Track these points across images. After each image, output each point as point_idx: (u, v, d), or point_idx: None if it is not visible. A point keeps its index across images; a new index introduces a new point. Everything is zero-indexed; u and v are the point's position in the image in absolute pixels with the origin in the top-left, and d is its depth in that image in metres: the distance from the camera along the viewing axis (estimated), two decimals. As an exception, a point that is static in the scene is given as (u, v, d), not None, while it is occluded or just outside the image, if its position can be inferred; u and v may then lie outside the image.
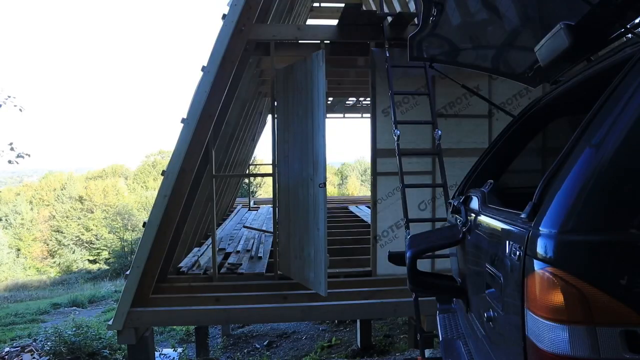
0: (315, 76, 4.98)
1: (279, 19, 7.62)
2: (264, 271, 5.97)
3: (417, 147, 5.71)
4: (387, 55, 5.01)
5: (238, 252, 7.07)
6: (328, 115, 8.65)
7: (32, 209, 40.79)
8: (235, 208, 13.32)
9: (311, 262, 5.11)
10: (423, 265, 5.58)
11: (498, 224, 1.68)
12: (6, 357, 7.71)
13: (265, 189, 31.46)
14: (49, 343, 7.32)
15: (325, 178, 4.99)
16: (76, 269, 33.43)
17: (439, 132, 4.67)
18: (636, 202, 1.21)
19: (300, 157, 5.28)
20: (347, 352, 7.05)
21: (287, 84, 5.57)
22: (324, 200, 4.92)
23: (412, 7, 7.37)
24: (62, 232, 37.77)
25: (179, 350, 8.26)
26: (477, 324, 1.95)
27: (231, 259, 6.60)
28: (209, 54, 5.02)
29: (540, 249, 1.26)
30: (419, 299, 4.19)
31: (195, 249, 7.24)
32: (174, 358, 7.92)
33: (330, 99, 11.90)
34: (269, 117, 10.31)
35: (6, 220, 38.42)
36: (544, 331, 1.23)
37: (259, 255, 6.74)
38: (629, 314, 1.15)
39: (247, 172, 13.49)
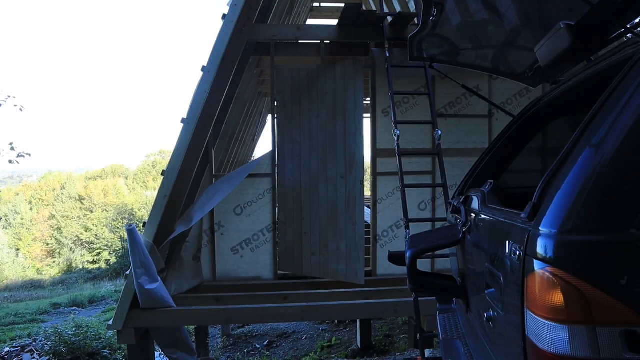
0: (352, 82, 5.46)
1: (279, 19, 7.62)
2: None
3: (417, 147, 5.72)
4: (387, 55, 5.02)
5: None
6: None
7: (31, 209, 40.80)
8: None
9: (342, 255, 5.51)
10: (423, 265, 5.59)
11: (498, 224, 1.68)
12: (6, 357, 7.71)
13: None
14: (49, 343, 7.32)
15: (363, 176, 5.55)
16: (76, 269, 33.41)
17: (439, 132, 4.67)
18: (636, 202, 1.21)
19: (324, 157, 5.61)
20: (347, 352, 7.04)
21: (300, 85, 5.72)
22: (362, 196, 5.43)
23: (412, 7, 7.37)
24: (62, 232, 37.77)
25: (179, 350, 8.24)
26: (477, 324, 1.95)
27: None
28: (209, 54, 5.02)
29: (540, 249, 1.26)
30: (419, 299, 4.19)
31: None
32: (174, 358, 7.91)
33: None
34: (269, 117, 10.31)
35: (6, 220, 38.41)
36: (544, 331, 1.23)
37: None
38: (629, 314, 1.15)
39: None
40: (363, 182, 5.50)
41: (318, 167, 5.63)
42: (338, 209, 5.51)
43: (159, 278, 4.89)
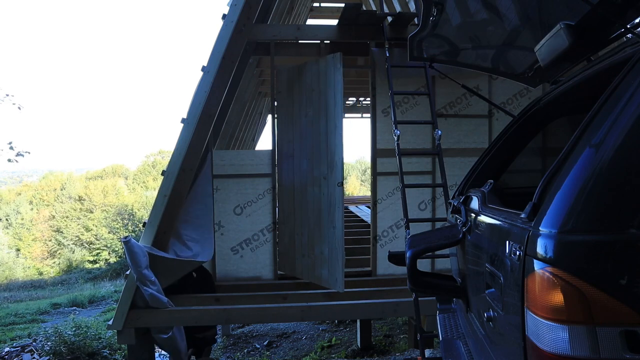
0: (331, 78, 5.17)
1: (279, 19, 7.63)
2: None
3: (417, 147, 5.72)
4: (387, 55, 5.02)
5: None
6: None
7: (32, 209, 40.80)
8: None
9: (325, 260, 5.27)
10: (423, 265, 5.59)
11: (498, 224, 1.68)
12: (6, 357, 7.71)
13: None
14: (49, 343, 7.32)
15: (342, 177, 5.18)
16: (76, 269, 33.40)
17: (439, 132, 4.67)
18: (636, 202, 1.21)
19: (311, 157, 5.42)
20: (347, 352, 7.05)
21: (293, 84, 5.64)
22: (340, 199, 5.12)
23: (412, 7, 7.37)
24: (62, 232, 37.76)
25: (179, 350, 8.25)
26: (477, 324, 1.95)
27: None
28: (209, 54, 5.02)
29: (540, 249, 1.26)
30: (419, 299, 4.19)
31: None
32: (174, 358, 7.91)
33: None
34: (269, 117, 10.31)
35: (6, 220, 38.41)
36: (543, 331, 1.23)
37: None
38: (629, 314, 1.15)
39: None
40: (342, 183, 5.17)
41: (307, 167, 5.51)
42: (322, 211, 5.32)
43: (158, 284, 4.89)
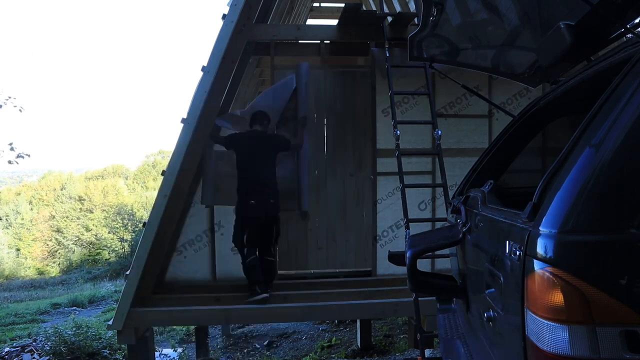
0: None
1: (279, 19, 7.62)
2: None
3: (417, 147, 5.71)
4: (387, 55, 5.02)
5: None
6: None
7: (32, 209, 40.79)
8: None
9: (351, 247, 6.08)
10: (423, 265, 5.58)
11: (498, 224, 1.68)
12: (6, 357, 7.71)
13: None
14: (49, 343, 7.31)
15: (375, 173, 5.76)
16: (76, 269, 33.38)
17: (439, 132, 4.67)
18: (636, 202, 1.21)
19: (332, 154, 6.06)
20: (347, 352, 7.04)
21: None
22: (370, 191, 5.76)
23: (412, 7, 7.37)
24: (62, 232, 37.74)
25: (179, 350, 8.25)
26: (477, 324, 1.95)
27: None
28: (209, 54, 5.02)
29: (540, 249, 1.26)
30: (419, 299, 4.18)
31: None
32: (174, 358, 7.91)
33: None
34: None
35: (6, 220, 38.39)
36: (543, 331, 1.23)
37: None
38: (629, 314, 1.15)
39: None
40: (374, 178, 5.73)
41: (327, 164, 6.02)
42: (347, 203, 6.05)
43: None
